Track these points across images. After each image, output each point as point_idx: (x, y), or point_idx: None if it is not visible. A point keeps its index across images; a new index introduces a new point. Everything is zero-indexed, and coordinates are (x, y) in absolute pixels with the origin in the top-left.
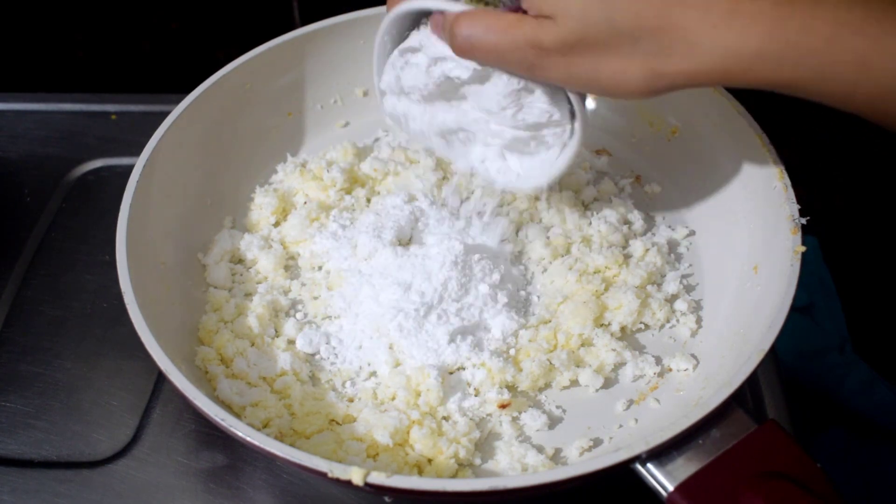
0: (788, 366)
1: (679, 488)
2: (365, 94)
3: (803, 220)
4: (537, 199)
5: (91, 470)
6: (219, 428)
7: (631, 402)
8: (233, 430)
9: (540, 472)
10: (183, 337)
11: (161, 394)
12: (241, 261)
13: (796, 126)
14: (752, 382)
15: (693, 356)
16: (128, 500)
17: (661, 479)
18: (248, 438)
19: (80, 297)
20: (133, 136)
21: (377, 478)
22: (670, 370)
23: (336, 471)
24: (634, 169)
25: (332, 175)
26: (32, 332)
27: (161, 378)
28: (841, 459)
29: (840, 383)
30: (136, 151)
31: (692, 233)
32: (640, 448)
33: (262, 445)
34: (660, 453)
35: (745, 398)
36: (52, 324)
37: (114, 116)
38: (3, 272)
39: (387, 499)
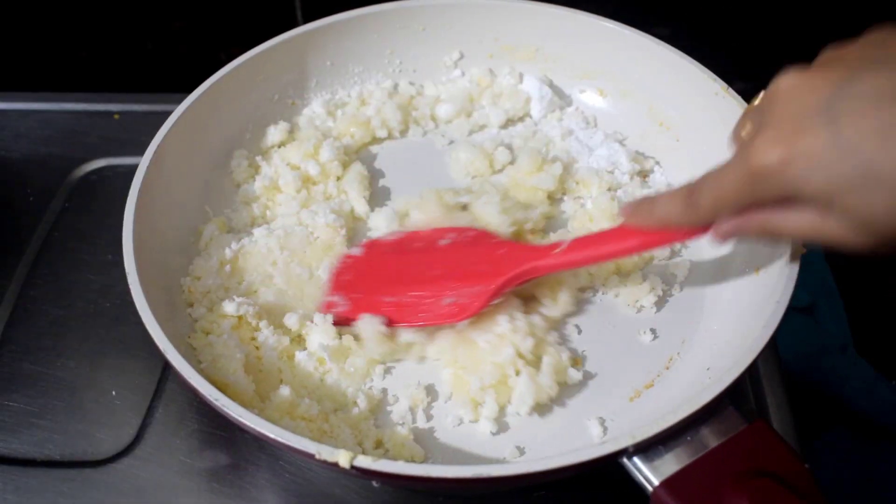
0: (790, 366)
1: (664, 483)
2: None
3: None
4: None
5: (94, 469)
6: (212, 406)
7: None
8: (226, 410)
9: (525, 462)
10: (186, 335)
11: (164, 393)
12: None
13: None
14: (754, 382)
15: (692, 355)
16: (131, 500)
17: (647, 474)
18: (241, 419)
19: (83, 296)
20: (136, 135)
21: (363, 461)
22: (667, 368)
23: (324, 453)
24: (641, 167)
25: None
26: (35, 332)
27: (164, 377)
28: (843, 459)
29: (842, 384)
30: (140, 151)
31: None
32: (627, 442)
33: (253, 426)
34: (647, 448)
35: (747, 398)
36: (55, 323)
37: (117, 116)
38: (7, 271)
39: (374, 483)
